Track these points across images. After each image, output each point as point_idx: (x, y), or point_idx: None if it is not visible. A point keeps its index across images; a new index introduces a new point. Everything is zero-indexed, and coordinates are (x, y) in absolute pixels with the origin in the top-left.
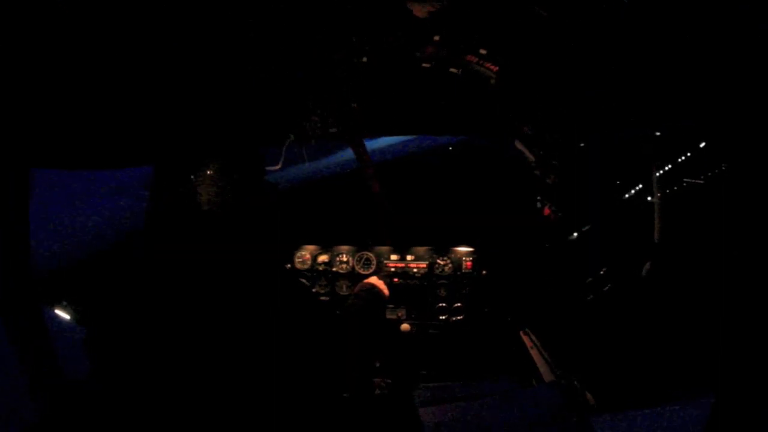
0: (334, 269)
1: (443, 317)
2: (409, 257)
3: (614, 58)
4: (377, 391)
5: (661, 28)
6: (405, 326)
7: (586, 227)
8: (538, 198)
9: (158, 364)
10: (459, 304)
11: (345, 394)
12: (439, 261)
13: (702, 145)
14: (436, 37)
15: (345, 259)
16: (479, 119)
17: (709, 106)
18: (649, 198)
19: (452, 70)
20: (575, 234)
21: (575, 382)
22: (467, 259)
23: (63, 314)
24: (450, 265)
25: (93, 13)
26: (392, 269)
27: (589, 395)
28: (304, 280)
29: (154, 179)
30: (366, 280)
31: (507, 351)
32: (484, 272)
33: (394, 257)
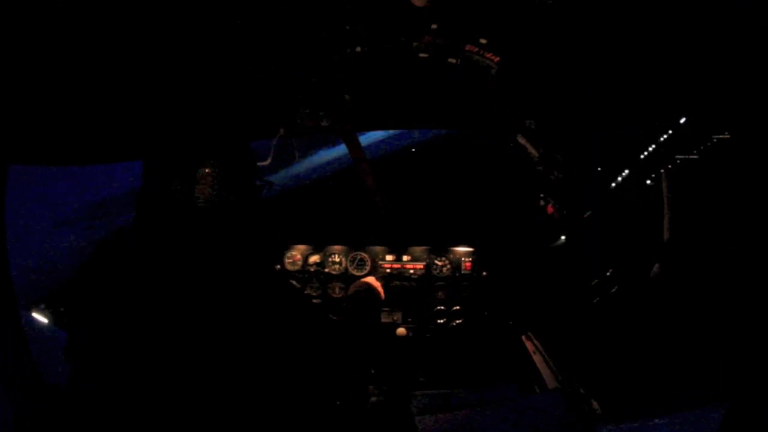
0: (326, 270)
1: (441, 321)
2: (405, 258)
3: (617, 51)
4: (372, 399)
5: (662, 23)
6: (401, 330)
7: (588, 213)
8: (542, 195)
9: (141, 369)
10: (458, 307)
11: (338, 402)
12: (436, 261)
13: (682, 120)
14: (434, 26)
15: (338, 259)
16: (479, 112)
17: (710, 101)
18: (648, 182)
19: (451, 60)
20: (563, 238)
21: (580, 389)
22: (466, 259)
23: (41, 318)
24: (448, 266)
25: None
26: (388, 270)
27: (595, 403)
28: (294, 282)
29: (143, 175)
30: (361, 280)
31: (508, 356)
32: (484, 273)
33: (389, 258)
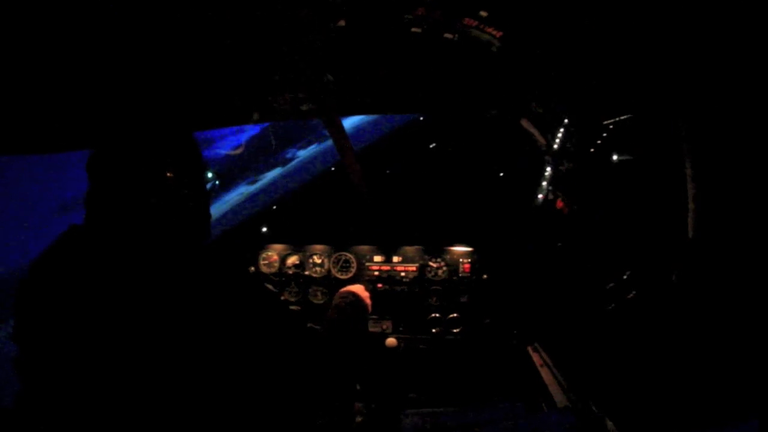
0: (306, 273)
1: (436, 330)
2: (395, 258)
3: (632, 24)
4: (358, 418)
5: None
6: (391, 341)
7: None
8: (550, 188)
9: (100, 385)
10: (455, 315)
11: (320, 422)
12: (431, 263)
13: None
14: None
15: (319, 261)
16: (479, 94)
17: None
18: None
19: (447, 35)
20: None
21: (593, 408)
22: (465, 260)
23: None
24: (444, 268)
25: None
26: (376, 273)
27: (609, 423)
28: (270, 287)
29: (93, 169)
30: (345, 288)
31: (512, 370)
32: (484, 276)
33: (378, 259)
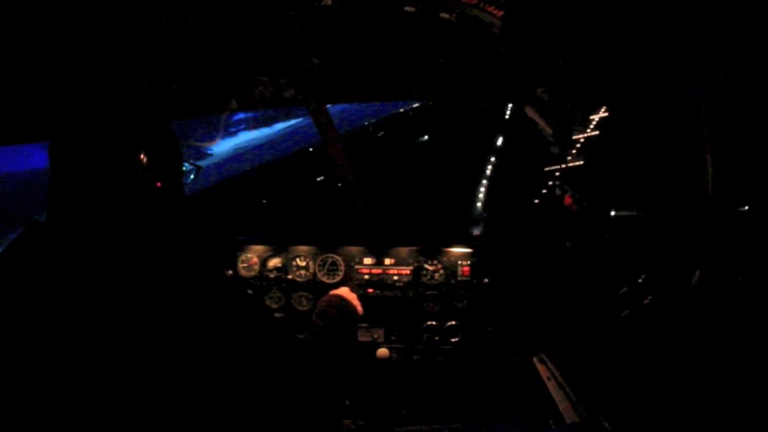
0: (289, 277)
1: (433, 339)
2: (387, 261)
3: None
4: None
5: None
6: (383, 351)
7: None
8: (557, 183)
9: (68, 396)
10: (453, 323)
11: None
12: (427, 266)
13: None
14: None
15: (304, 263)
16: (478, 79)
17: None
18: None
19: (443, 15)
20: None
21: (605, 425)
22: (464, 262)
23: None
24: (441, 271)
25: None
26: (366, 277)
27: None
28: (250, 292)
29: (53, 161)
30: (332, 292)
31: (516, 383)
32: (486, 280)
33: (368, 261)
